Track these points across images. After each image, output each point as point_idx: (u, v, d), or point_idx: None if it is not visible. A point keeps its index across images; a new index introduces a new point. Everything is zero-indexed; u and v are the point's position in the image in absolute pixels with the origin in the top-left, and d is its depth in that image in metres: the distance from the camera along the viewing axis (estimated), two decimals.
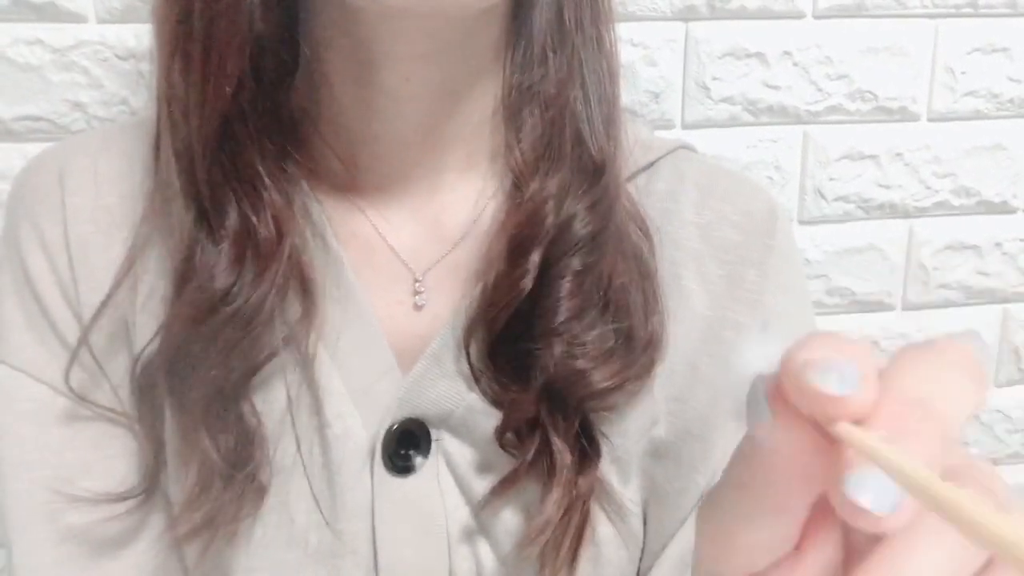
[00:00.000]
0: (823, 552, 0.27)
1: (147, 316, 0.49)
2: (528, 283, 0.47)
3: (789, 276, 0.54)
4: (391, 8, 0.42)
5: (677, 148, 0.56)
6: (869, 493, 0.21)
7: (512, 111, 0.50)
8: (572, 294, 0.48)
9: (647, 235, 0.52)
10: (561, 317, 0.48)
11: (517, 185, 0.50)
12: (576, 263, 0.48)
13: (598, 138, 0.50)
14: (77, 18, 0.68)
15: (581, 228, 0.48)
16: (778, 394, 0.24)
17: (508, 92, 0.50)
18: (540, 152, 0.49)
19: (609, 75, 0.51)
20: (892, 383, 0.23)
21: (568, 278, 0.48)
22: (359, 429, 0.49)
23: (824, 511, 0.26)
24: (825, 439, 0.23)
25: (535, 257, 0.48)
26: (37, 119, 0.69)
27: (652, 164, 0.55)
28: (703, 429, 0.52)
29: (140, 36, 0.68)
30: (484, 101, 0.51)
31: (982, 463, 0.24)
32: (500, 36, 0.50)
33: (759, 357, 0.25)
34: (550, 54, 0.49)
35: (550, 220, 0.48)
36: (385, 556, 0.49)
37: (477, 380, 0.49)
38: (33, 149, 0.68)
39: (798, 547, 0.27)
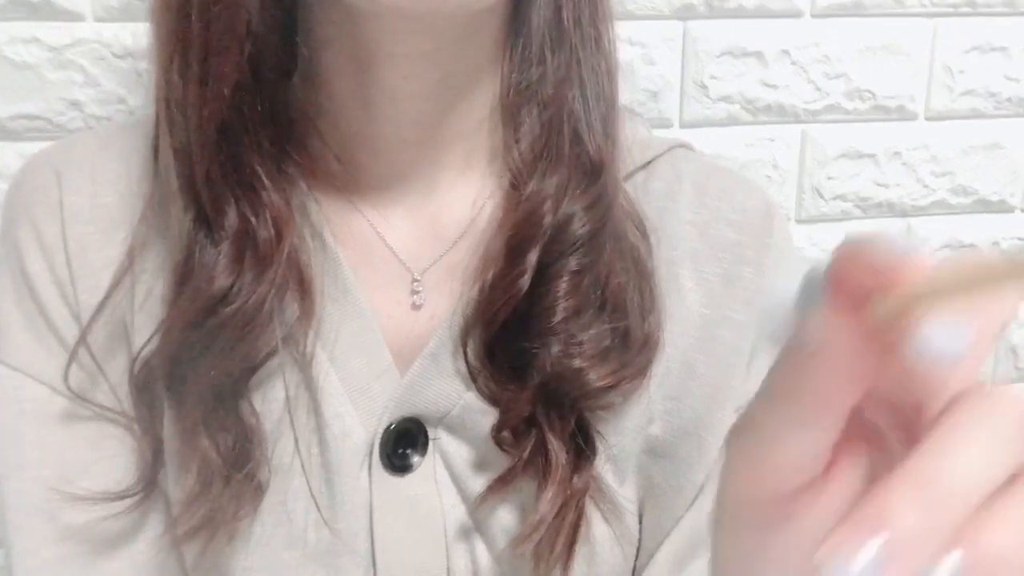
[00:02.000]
0: (850, 478, 0.27)
1: (145, 316, 0.49)
2: (525, 283, 0.47)
3: (786, 274, 0.54)
4: (388, 7, 0.42)
5: (674, 147, 0.56)
6: (939, 337, 0.22)
7: (510, 110, 0.50)
8: (569, 294, 0.48)
9: (644, 234, 0.52)
10: (558, 316, 0.48)
11: (515, 185, 0.50)
12: (573, 263, 0.48)
13: (596, 137, 0.50)
14: (74, 16, 0.68)
15: (579, 228, 0.48)
16: (834, 280, 0.24)
17: (506, 91, 0.50)
18: (538, 152, 0.50)
19: (607, 74, 0.51)
20: (944, 266, 0.23)
21: (565, 278, 0.48)
22: (357, 428, 0.49)
23: (853, 437, 0.27)
24: (874, 335, 0.23)
25: (532, 257, 0.48)
26: (34, 118, 0.68)
27: (649, 163, 0.55)
28: (699, 427, 0.52)
29: (137, 35, 0.68)
30: (482, 100, 0.51)
31: None
32: (498, 35, 0.50)
33: (792, 280, 0.25)
34: (548, 53, 0.49)
35: (548, 220, 0.48)
36: (383, 554, 0.49)
37: (474, 379, 0.49)
38: (30, 148, 0.68)
39: (825, 473, 0.27)
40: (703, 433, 0.52)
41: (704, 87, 0.78)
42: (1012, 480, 0.23)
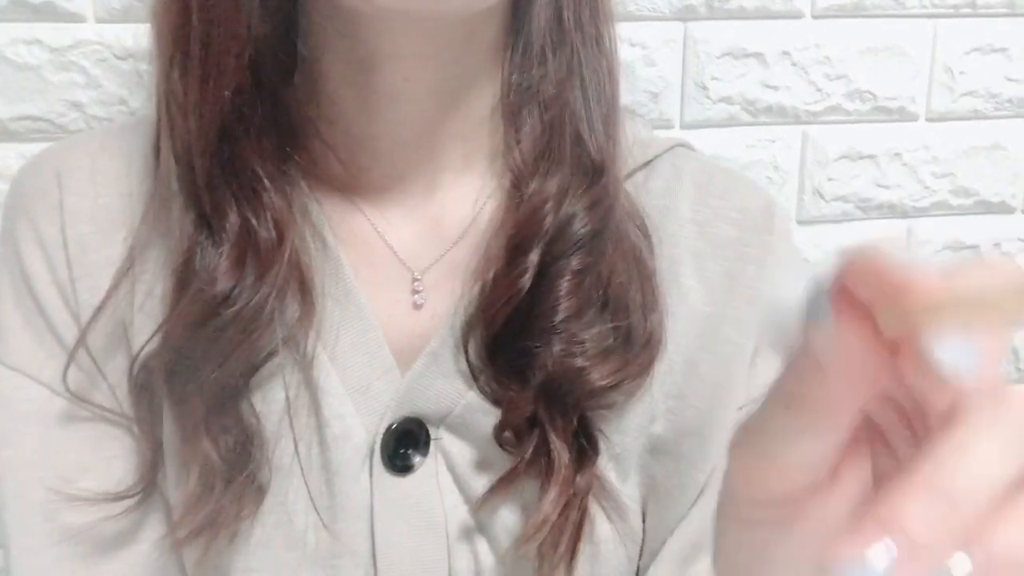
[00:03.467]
0: (856, 477, 0.27)
1: (145, 316, 0.49)
2: (527, 282, 0.47)
3: (788, 273, 0.54)
4: (386, 10, 0.42)
5: (675, 146, 0.56)
6: (952, 355, 0.22)
7: (511, 111, 0.50)
8: (571, 293, 0.48)
9: (645, 234, 0.52)
10: (560, 316, 0.48)
11: (516, 185, 0.50)
12: (575, 263, 0.48)
13: (597, 138, 0.50)
14: (75, 18, 0.68)
15: (580, 228, 0.48)
16: (841, 292, 0.24)
17: (507, 92, 0.50)
18: (539, 152, 0.50)
19: (609, 75, 0.51)
20: (951, 282, 0.23)
21: (567, 277, 0.48)
22: (358, 429, 0.49)
23: (858, 436, 0.27)
24: (881, 343, 0.24)
25: (534, 256, 0.48)
26: (35, 119, 0.68)
27: (650, 162, 0.55)
28: (701, 426, 0.52)
29: (138, 36, 0.68)
30: (483, 101, 0.51)
31: None
32: (499, 36, 0.50)
33: (794, 281, 0.25)
34: (549, 54, 0.49)
35: (549, 220, 0.48)
36: (384, 556, 0.49)
37: (476, 378, 0.49)
38: (31, 149, 0.68)
39: (832, 473, 0.27)
40: (706, 431, 0.52)
41: (705, 88, 0.78)
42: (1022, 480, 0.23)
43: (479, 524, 0.50)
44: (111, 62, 0.69)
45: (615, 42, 0.52)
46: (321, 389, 0.48)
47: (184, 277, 0.47)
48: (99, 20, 0.68)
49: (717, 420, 0.52)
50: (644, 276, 0.51)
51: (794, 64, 0.79)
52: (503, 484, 0.49)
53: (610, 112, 0.51)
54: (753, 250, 0.53)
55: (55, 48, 0.68)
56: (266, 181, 0.47)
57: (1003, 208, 0.86)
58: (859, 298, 0.24)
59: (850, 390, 0.25)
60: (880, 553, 0.22)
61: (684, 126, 0.79)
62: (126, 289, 0.49)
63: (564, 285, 0.48)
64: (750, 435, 0.28)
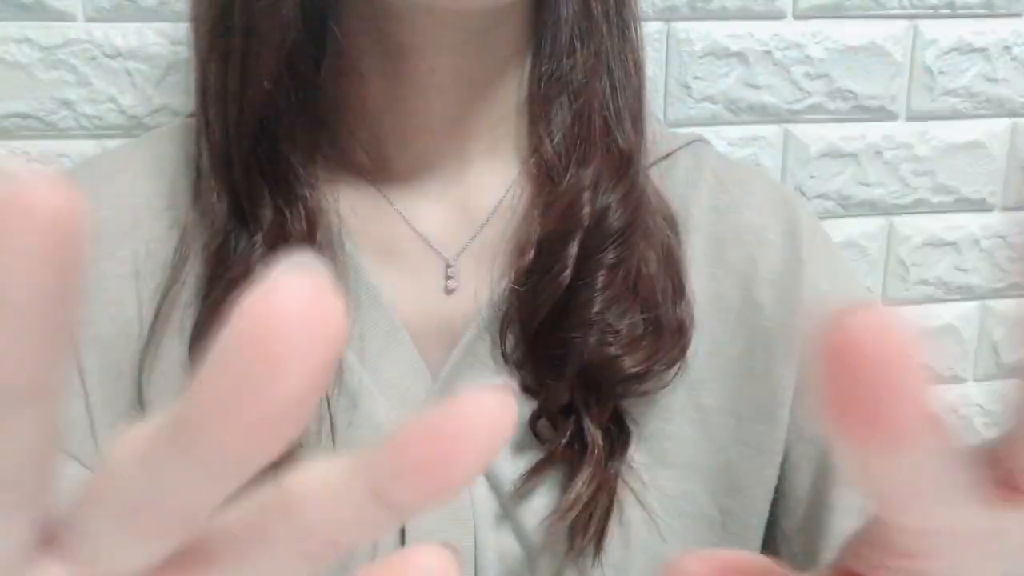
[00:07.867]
0: None
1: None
2: (568, 277, 0.48)
3: (825, 253, 0.55)
4: (415, 3, 0.42)
5: (695, 140, 0.57)
6: None
7: (540, 101, 0.51)
8: (607, 285, 0.48)
9: (671, 223, 0.52)
10: (596, 308, 0.48)
11: (550, 176, 0.50)
12: (611, 256, 0.48)
13: (625, 128, 0.50)
14: (65, 16, 0.68)
15: (615, 220, 0.49)
16: None
17: (536, 81, 0.51)
18: (571, 142, 0.50)
19: (635, 66, 0.51)
20: None
21: (603, 270, 0.48)
22: (391, 425, 0.49)
23: None
24: None
25: (573, 249, 0.48)
26: (25, 116, 0.69)
27: (671, 154, 0.56)
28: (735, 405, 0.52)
29: (128, 35, 0.69)
30: (510, 91, 0.51)
31: None
32: (526, 26, 0.50)
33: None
34: (578, 44, 0.50)
35: (587, 211, 0.48)
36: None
37: (512, 369, 0.49)
38: (21, 146, 0.68)
39: None
40: (739, 411, 0.53)
41: (687, 87, 0.79)
42: None
43: (507, 514, 0.50)
44: (100, 60, 0.69)
45: (641, 34, 0.52)
46: (352, 387, 0.48)
47: (218, 265, 0.47)
48: (89, 19, 0.68)
49: (744, 397, 0.52)
50: (671, 266, 0.51)
51: (776, 63, 0.80)
52: (536, 472, 0.49)
53: (636, 104, 0.51)
54: (773, 235, 0.54)
55: (45, 46, 0.68)
56: (299, 171, 0.47)
57: (982, 206, 0.87)
58: None
59: None
60: None
61: (667, 125, 0.80)
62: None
63: (601, 277, 0.48)
64: None
